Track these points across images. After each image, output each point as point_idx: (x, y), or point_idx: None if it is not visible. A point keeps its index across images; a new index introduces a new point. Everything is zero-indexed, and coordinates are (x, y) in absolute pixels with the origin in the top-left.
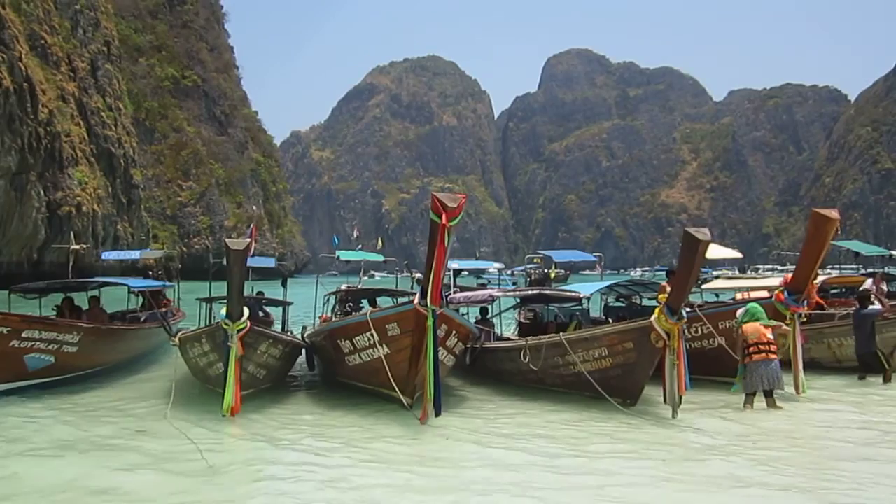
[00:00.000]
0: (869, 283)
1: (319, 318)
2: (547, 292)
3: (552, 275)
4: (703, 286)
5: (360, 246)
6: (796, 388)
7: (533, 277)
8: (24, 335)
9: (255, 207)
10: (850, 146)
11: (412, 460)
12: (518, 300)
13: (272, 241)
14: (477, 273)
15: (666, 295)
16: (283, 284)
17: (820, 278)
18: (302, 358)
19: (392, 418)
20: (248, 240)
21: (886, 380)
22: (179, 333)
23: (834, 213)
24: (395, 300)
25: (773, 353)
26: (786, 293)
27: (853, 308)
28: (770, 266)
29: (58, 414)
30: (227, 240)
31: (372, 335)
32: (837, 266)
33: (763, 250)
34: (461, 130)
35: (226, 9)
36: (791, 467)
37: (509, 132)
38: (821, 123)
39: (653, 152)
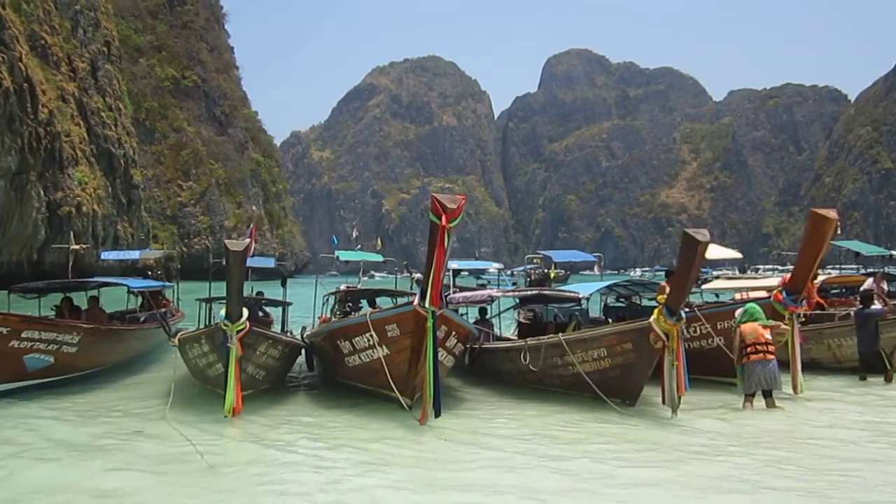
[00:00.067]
0: (870, 282)
1: (319, 318)
2: (546, 292)
3: (552, 275)
4: (703, 286)
5: (359, 246)
6: (794, 388)
7: (533, 278)
8: (23, 335)
9: (255, 208)
10: (850, 146)
11: (411, 462)
12: (517, 300)
13: (272, 241)
14: (477, 273)
15: (665, 295)
16: (283, 285)
17: (820, 278)
18: (301, 358)
19: (391, 419)
20: (248, 241)
21: (888, 380)
22: (179, 334)
23: (832, 213)
24: (394, 300)
25: (771, 353)
26: (784, 293)
27: (853, 308)
28: (770, 266)
29: (56, 414)
30: (226, 241)
31: (371, 336)
32: (837, 266)
33: (763, 250)
34: (461, 131)
35: (226, 9)
36: (792, 468)
37: (509, 132)
38: (821, 123)
39: (653, 152)
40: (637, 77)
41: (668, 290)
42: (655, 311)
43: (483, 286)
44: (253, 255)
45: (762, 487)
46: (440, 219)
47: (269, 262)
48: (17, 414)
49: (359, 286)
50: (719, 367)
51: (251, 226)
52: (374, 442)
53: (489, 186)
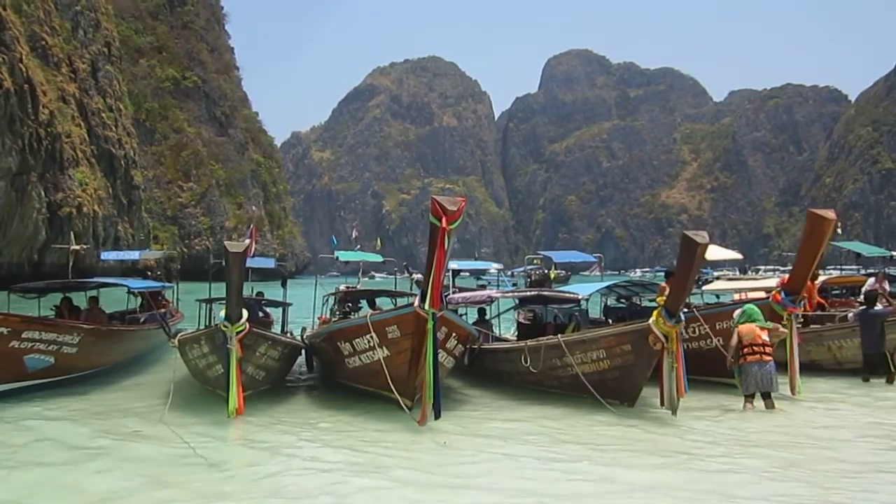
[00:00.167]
0: (871, 282)
1: (318, 318)
2: (545, 293)
3: (552, 276)
4: (704, 287)
5: (358, 246)
6: (792, 389)
7: (533, 278)
8: (24, 336)
9: (255, 208)
10: (851, 146)
11: (411, 463)
12: (517, 301)
13: (273, 241)
14: (477, 274)
15: (665, 297)
16: (283, 285)
17: (821, 279)
18: (301, 359)
19: (392, 420)
20: (247, 241)
21: (889, 381)
22: (179, 335)
23: (830, 214)
24: (394, 301)
25: (768, 354)
26: (783, 294)
27: (854, 309)
28: (772, 267)
29: (56, 415)
30: (225, 242)
31: (372, 337)
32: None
33: (764, 251)
34: (461, 131)
35: (226, 10)
36: (794, 471)
37: (509, 133)
38: (821, 124)
39: (653, 153)
40: (637, 77)
41: (667, 290)
42: (654, 312)
43: (483, 287)
44: (253, 256)
45: (763, 491)
46: (440, 221)
47: (270, 263)
48: (17, 415)
49: (358, 286)
50: (718, 367)
51: (251, 226)
52: (374, 443)
53: (489, 187)
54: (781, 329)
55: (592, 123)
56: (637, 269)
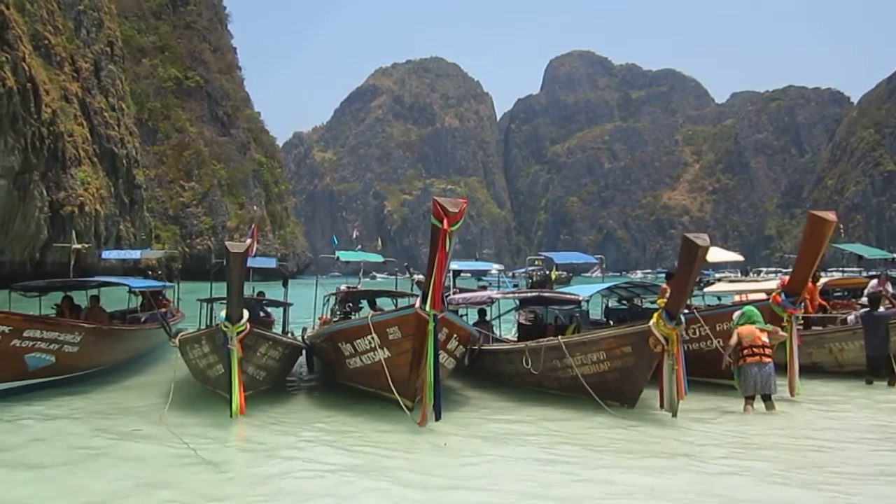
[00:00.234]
0: (874, 283)
1: (319, 318)
2: (546, 294)
3: (553, 277)
4: (706, 289)
5: (359, 247)
6: (791, 390)
7: (534, 279)
8: (25, 334)
9: (257, 208)
10: (853, 148)
11: (411, 465)
12: (518, 302)
13: (274, 241)
14: (478, 275)
15: (665, 299)
16: (284, 285)
17: (823, 280)
18: (302, 359)
19: (392, 421)
20: (248, 241)
21: (892, 384)
22: (179, 334)
23: (831, 216)
24: (394, 301)
25: (768, 356)
26: (783, 295)
27: (854, 312)
28: (773, 269)
29: (56, 414)
30: (226, 243)
31: (373, 338)
32: (840, 269)
33: (765, 252)
34: (463, 132)
35: (229, 10)
36: (797, 473)
37: (511, 134)
38: (823, 126)
39: (655, 154)
40: (639, 79)
41: (668, 292)
42: (655, 314)
43: (484, 288)
44: (255, 256)
45: (766, 494)
46: (442, 222)
47: (271, 263)
48: (17, 414)
49: (359, 287)
50: (718, 369)
51: (253, 226)
52: (374, 444)
53: (491, 188)
54: (781, 332)
55: (594, 125)
56: (638, 271)
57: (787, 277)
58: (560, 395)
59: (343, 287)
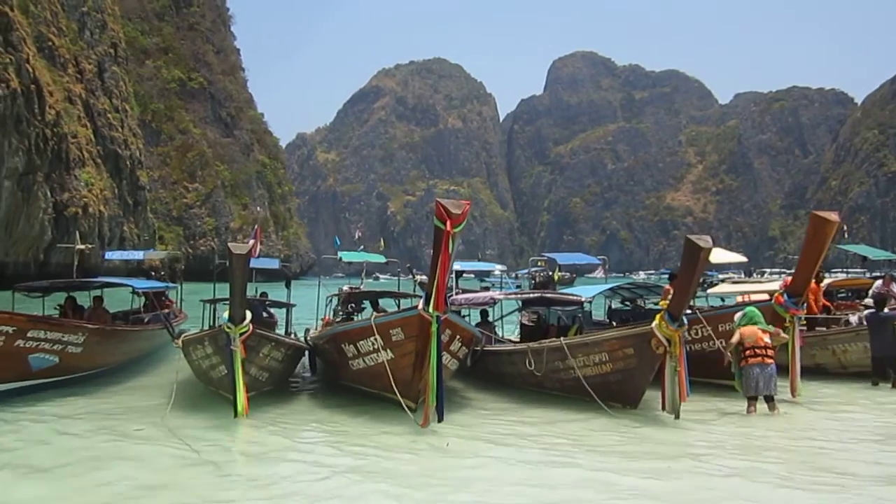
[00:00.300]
0: (878, 284)
1: (321, 319)
2: (548, 295)
3: (556, 277)
4: (709, 290)
5: (361, 247)
6: (792, 391)
7: (537, 280)
8: (29, 335)
9: (260, 209)
10: (857, 149)
11: (413, 467)
12: (520, 303)
13: (277, 242)
14: (481, 276)
15: (668, 300)
16: (287, 286)
17: (826, 281)
18: (304, 359)
19: (394, 423)
20: (251, 242)
21: (895, 385)
22: (182, 335)
23: (833, 216)
24: (397, 302)
25: (770, 357)
26: (785, 296)
27: (859, 312)
28: (777, 269)
29: (58, 414)
30: (229, 244)
31: (376, 340)
32: (844, 270)
33: (769, 253)
34: (466, 133)
35: (232, 11)
36: (802, 475)
37: (514, 135)
38: (827, 126)
39: (658, 155)
40: (642, 80)
41: (671, 293)
42: (657, 316)
43: (487, 289)
44: (258, 257)
45: (772, 497)
46: (445, 224)
47: (274, 264)
48: (18, 415)
49: (361, 287)
50: (720, 369)
51: (256, 227)
52: (376, 446)
53: (494, 189)
54: (783, 334)
55: (597, 125)
56: (641, 272)
57: (789, 278)
58: (562, 396)
59: (345, 288)
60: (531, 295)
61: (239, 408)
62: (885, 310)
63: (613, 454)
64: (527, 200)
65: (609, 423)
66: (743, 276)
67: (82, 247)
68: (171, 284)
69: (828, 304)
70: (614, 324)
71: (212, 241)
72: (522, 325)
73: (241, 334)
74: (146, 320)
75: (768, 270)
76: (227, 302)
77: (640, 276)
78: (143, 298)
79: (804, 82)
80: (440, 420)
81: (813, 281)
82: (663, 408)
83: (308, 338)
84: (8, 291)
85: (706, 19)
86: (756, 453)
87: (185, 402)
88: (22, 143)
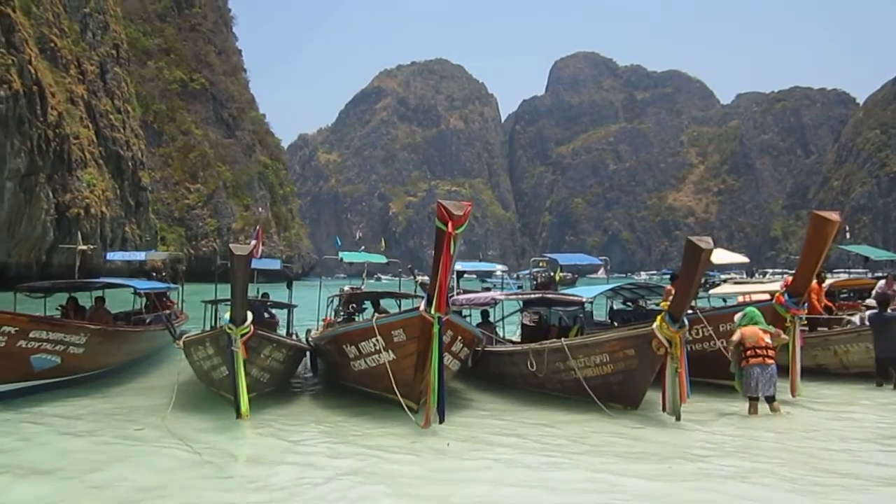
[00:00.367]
0: (882, 284)
1: (322, 320)
2: (549, 296)
3: (558, 278)
4: (711, 291)
5: (362, 247)
6: (792, 391)
7: (539, 280)
8: (31, 335)
9: (262, 210)
10: (859, 149)
11: (415, 468)
12: (522, 303)
13: (279, 243)
14: (483, 276)
15: (669, 301)
16: (289, 286)
17: (828, 281)
18: (306, 360)
19: (395, 424)
20: (253, 243)
21: None
22: (184, 336)
23: (833, 216)
24: (398, 302)
25: (771, 357)
26: (786, 295)
27: (860, 312)
28: (780, 270)
29: (60, 414)
30: (230, 245)
31: (378, 341)
32: (846, 270)
33: (771, 254)
34: (468, 134)
35: (233, 12)
36: (805, 477)
37: (516, 135)
38: (829, 126)
39: (660, 155)
40: (644, 80)
41: (672, 294)
42: (658, 317)
43: (488, 289)
44: (260, 257)
45: (772, 498)
46: (446, 225)
47: (275, 264)
48: (20, 416)
49: (362, 288)
50: (721, 369)
51: (258, 228)
52: (377, 447)
53: (496, 189)
54: (783, 336)
55: (599, 126)
56: (643, 272)
57: (790, 278)
58: (563, 397)
59: (346, 288)
60: (532, 295)
61: (243, 410)
62: (889, 310)
63: (614, 455)
64: (528, 201)
65: (611, 425)
66: (745, 276)
67: (84, 248)
68: (172, 285)
69: (830, 304)
70: (616, 324)
71: (213, 241)
72: (523, 326)
73: (243, 335)
74: (148, 321)
75: (770, 271)
76: (229, 303)
77: (642, 277)
78: (144, 299)
79: (806, 82)
80: (441, 421)
81: (815, 281)
82: (664, 409)
83: (309, 339)
84: (10, 292)
85: (708, 19)
86: (758, 454)
87: (187, 402)
88: (24, 144)
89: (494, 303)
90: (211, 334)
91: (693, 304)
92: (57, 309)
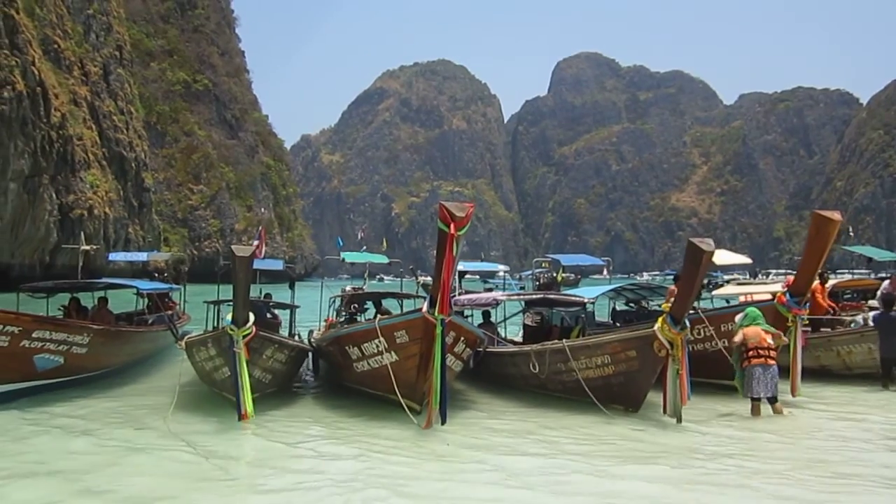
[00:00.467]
0: (886, 284)
1: (325, 321)
2: (551, 296)
3: (560, 278)
4: (714, 292)
5: (364, 248)
6: (793, 391)
7: (541, 281)
8: (34, 335)
9: (264, 211)
10: (862, 150)
11: (416, 470)
12: (524, 304)
13: (282, 244)
14: (485, 276)
15: (671, 303)
16: (291, 287)
17: (832, 282)
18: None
19: (397, 425)
20: (255, 243)
21: None
22: (186, 337)
23: (835, 215)
24: (400, 303)
25: (773, 358)
26: (787, 295)
27: (864, 313)
28: (783, 270)
29: (63, 415)
30: (232, 246)
31: (380, 342)
32: (850, 270)
33: (774, 254)
34: (471, 134)
35: (236, 13)
36: (810, 479)
37: (519, 136)
38: (832, 127)
39: (663, 156)
40: (647, 80)
41: (675, 294)
42: (660, 319)
43: (490, 290)
44: (262, 258)
45: (775, 499)
46: (448, 227)
47: (278, 265)
48: (22, 416)
49: (364, 288)
50: (722, 370)
51: (261, 229)
52: (379, 449)
53: (499, 190)
54: (783, 337)
55: (602, 126)
56: (646, 273)
57: (792, 278)
58: (565, 398)
59: (348, 289)
60: (534, 296)
61: (248, 411)
62: (894, 311)
63: (616, 457)
64: (531, 201)
65: (612, 426)
66: (748, 277)
67: (87, 248)
68: (174, 286)
69: (833, 305)
70: (618, 325)
71: (216, 242)
72: (525, 326)
73: (245, 336)
74: (150, 321)
75: (773, 271)
76: (231, 304)
77: (645, 277)
78: (146, 300)
79: (809, 83)
80: (443, 422)
81: (817, 281)
82: (665, 411)
83: (311, 339)
84: (13, 293)
85: (711, 20)
86: (760, 456)
87: (188, 403)
88: (28, 145)
89: (496, 303)
90: (213, 335)
91: (695, 304)
92: (59, 309)
